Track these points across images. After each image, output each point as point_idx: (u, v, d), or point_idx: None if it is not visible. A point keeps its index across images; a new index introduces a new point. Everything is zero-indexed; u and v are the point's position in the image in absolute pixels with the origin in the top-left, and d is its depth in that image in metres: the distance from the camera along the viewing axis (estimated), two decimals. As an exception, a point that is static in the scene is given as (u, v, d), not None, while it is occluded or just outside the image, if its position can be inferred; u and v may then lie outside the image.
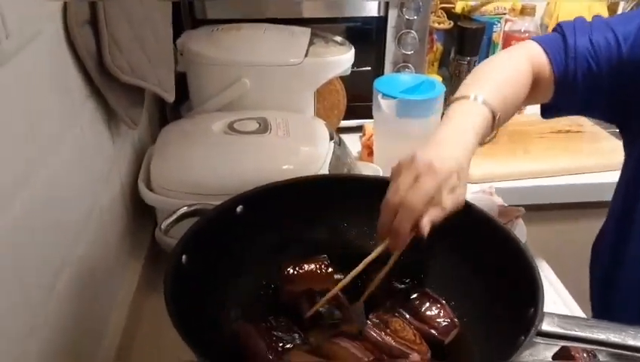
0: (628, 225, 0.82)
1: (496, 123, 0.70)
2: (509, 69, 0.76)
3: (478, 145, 0.68)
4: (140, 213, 0.91)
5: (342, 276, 0.65)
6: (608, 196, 0.89)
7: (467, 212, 0.68)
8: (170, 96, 0.86)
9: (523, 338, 0.49)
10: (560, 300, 0.88)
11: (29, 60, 0.55)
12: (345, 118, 1.35)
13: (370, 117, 1.16)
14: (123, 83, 0.74)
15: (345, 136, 1.36)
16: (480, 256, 0.65)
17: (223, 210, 0.66)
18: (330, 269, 0.67)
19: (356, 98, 1.30)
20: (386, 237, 0.61)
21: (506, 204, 1.02)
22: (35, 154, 0.55)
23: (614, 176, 0.87)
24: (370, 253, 0.66)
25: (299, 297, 0.64)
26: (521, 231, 0.99)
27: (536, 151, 1.24)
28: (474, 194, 1.06)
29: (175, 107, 1.09)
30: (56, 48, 0.64)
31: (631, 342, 0.46)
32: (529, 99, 0.78)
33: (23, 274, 0.52)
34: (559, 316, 0.50)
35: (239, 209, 0.68)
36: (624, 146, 0.83)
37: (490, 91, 0.70)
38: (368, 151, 1.25)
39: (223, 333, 0.59)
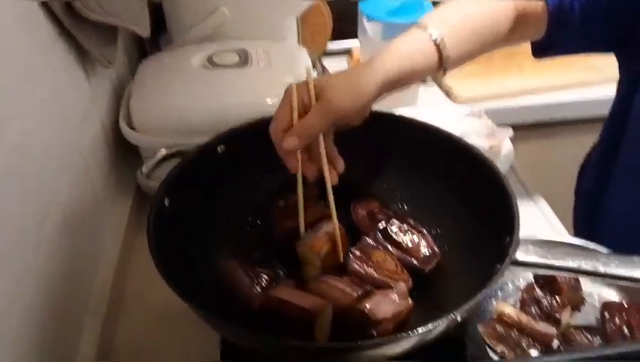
0: (614, 149, 0.82)
1: (444, 58, 0.66)
2: (482, 5, 0.71)
3: (416, 82, 0.65)
4: (124, 150, 0.90)
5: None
6: (602, 111, 0.88)
7: (448, 141, 0.68)
8: (144, 31, 0.84)
9: (499, 266, 0.51)
10: (546, 222, 0.89)
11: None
12: (332, 40, 1.31)
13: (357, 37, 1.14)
14: (93, 22, 0.71)
15: (333, 60, 1.34)
16: (461, 186, 0.65)
17: (204, 151, 0.66)
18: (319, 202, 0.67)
19: (343, 19, 1.26)
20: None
21: (495, 126, 1.02)
22: (4, 102, 0.54)
23: (609, 91, 0.85)
24: (354, 182, 0.69)
25: (293, 231, 0.65)
26: (508, 153, 0.99)
27: (531, 68, 1.22)
28: (462, 116, 1.06)
29: (154, 40, 1.06)
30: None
31: (602, 269, 0.47)
32: (515, 37, 0.74)
33: (6, 223, 0.52)
34: (534, 243, 0.51)
35: (220, 148, 0.67)
36: (620, 73, 0.82)
37: (443, 26, 0.66)
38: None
39: (211, 274, 0.60)
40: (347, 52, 1.33)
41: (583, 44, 0.79)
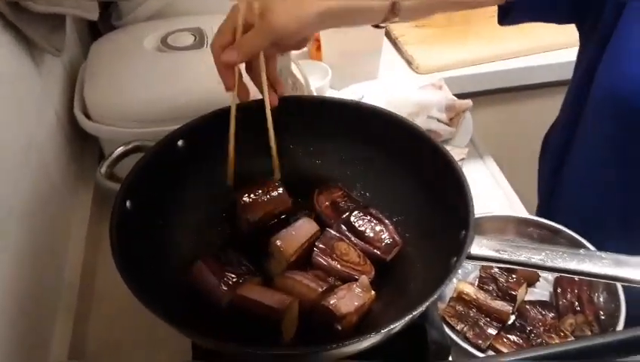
0: (576, 118, 0.84)
1: (396, 7, 0.63)
2: None
3: (368, 21, 0.65)
4: (81, 139, 0.89)
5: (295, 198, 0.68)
6: (563, 75, 0.88)
7: (409, 131, 0.68)
8: (93, 15, 0.80)
9: (455, 260, 0.53)
10: (505, 198, 0.92)
11: None
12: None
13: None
14: (37, 12, 0.68)
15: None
16: (421, 174, 0.67)
17: (163, 147, 0.65)
18: (281, 189, 0.68)
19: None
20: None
21: (455, 98, 1.03)
22: None
23: (569, 54, 0.85)
24: (316, 172, 0.71)
25: (259, 223, 0.66)
26: (467, 125, 1.01)
27: (488, 33, 1.22)
28: (422, 88, 1.06)
29: (105, 18, 1.02)
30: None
31: (549, 263, 0.50)
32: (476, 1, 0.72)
33: None
34: (489, 240, 0.53)
35: (180, 143, 0.67)
36: (580, 44, 0.83)
37: None
38: (317, 45, 1.21)
39: (177, 274, 0.61)
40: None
41: (547, 13, 0.80)
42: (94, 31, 1.03)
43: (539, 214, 0.96)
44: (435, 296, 0.50)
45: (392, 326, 0.48)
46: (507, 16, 0.78)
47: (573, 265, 0.49)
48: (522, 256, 0.51)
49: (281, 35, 0.60)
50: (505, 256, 0.51)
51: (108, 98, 0.81)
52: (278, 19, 0.60)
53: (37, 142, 0.72)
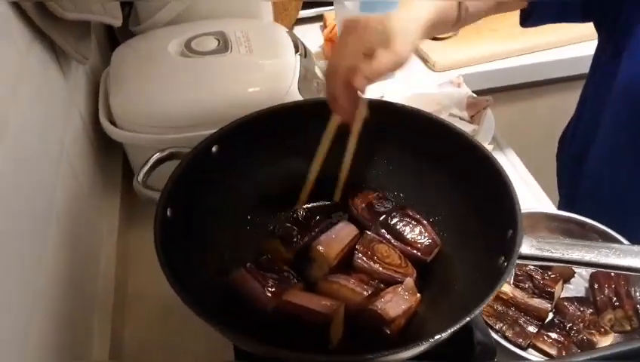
0: (598, 109, 0.85)
1: (462, 13, 0.71)
2: None
3: (437, 35, 0.68)
4: (106, 145, 0.88)
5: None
6: (579, 69, 0.89)
7: (441, 128, 0.68)
8: (117, 22, 0.80)
9: (504, 262, 0.53)
10: (530, 193, 0.91)
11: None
12: (303, 8, 1.29)
13: (331, 3, 1.11)
14: (67, 19, 0.68)
15: (305, 28, 1.31)
16: (456, 172, 0.67)
17: (198, 153, 0.65)
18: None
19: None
20: (331, 105, 0.63)
21: (475, 95, 1.03)
22: None
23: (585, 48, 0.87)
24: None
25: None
26: (489, 121, 1.00)
27: (503, 28, 1.22)
28: (442, 86, 1.06)
29: (123, 24, 1.01)
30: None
31: (603, 260, 0.50)
32: (502, 6, 0.76)
33: (9, 236, 0.51)
34: (537, 239, 0.53)
35: (215, 149, 0.66)
36: (598, 37, 0.84)
37: None
38: (331, 45, 1.21)
39: (220, 279, 0.61)
40: (318, 18, 1.31)
41: (564, 14, 0.81)
42: (111, 37, 1.03)
43: (561, 207, 0.97)
44: (489, 300, 0.49)
45: (444, 334, 0.48)
46: (528, 19, 0.81)
47: (628, 261, 0.49)
48: (575, 254, 0.51)
49: (405, 63, 0.61)
50: (557, 255, 0.51)
51: (134, 105, 0.80)
52: (406, 48, 0.60)
53: (66, 149, 0.72)
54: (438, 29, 0.71)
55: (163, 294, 0.51)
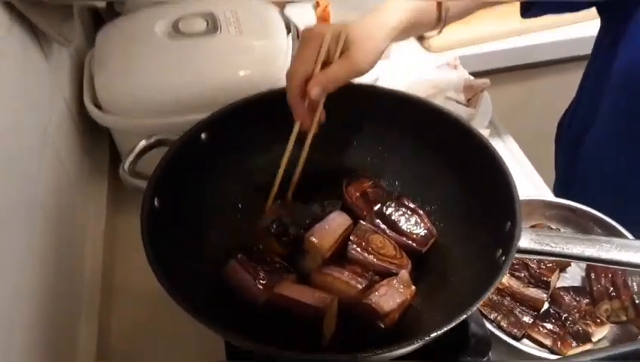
0: (597, 93, 0.83)
1: (442, 13, 0.69)
2: None
3: (415, 35, 0.66)
4: (92, 129, 0.85)
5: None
6: (578, 50, 0.87)
7: (436, 114, 0.66)
8: (100, 2, 0.77)
9: (502, 256, 0.51)
10: (527, 179, 0.90)
11: None
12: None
13: (324, -20, 1.08)
14: (47, 2, 0.65)
15: (296, 7, 1.28)
16: (453, 160, 0.65)
17: (186, 141, 0.63)
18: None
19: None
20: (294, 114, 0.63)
21: (472, 77, 1.00)
22: None
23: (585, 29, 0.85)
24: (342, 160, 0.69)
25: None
26: (486, 104, 0.98)
27: (502, 7, 1.18)
28: (438, 68, 1.04)
29: (108, 4, 0.97)
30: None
31: (604, 255, 0.48)
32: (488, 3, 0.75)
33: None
34: (536, 232, 0.52)
35: (204, 136, 0.64)
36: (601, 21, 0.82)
37: None
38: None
39: (209, 271, 0.59)
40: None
41: (566, 5, 0.79)
42: (97, 18, 0.99)
43: (556, 190, 0.96)
44: (486, 296, 0.48)
45: (439, 331, 0.47)
46: (529, 10, 0.80)
47: (629, 256, 0.48)
48: (575, 249, 0.49)
49: (363, 71, 0.61)
50: (557, 250, 0.50)
51: (120, 88, 0.78)
52: (363, 56, 0.60)
53: (50, 135, 0.70)
54: (416, 31, 0.69)
55: (151, 283, 0.49)
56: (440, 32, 0.71)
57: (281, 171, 0.65)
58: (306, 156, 0.65)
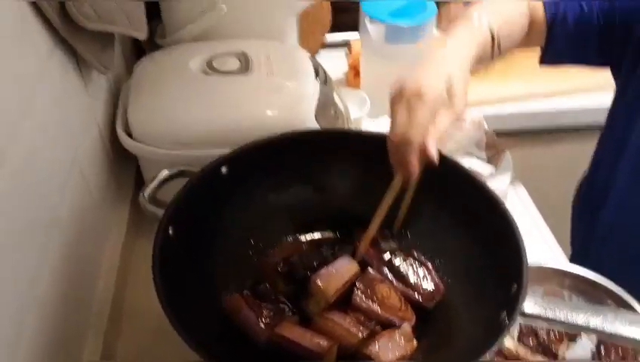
0: (615, 161, 0.83)
1: (495, 49, 0.70)
2: (510, 3, 0.75)
3: (474, 71, 0.67)
4: (120, 156, 0.88)
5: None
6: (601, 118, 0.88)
7: (457, 174, 0.67)
8: (141, 35, 0.80)
9: (506, 319, 0.51)
10: (545, 244, 0.89)
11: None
12: (331, 31, 1.29)
13: (357, 29, 1.11)
14: (90, 30, 0.68)
15: (330, 53, 1.31)
16: (466, 217, 0.65)
17: (207, 173, 0.64)
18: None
19: (341, 9, 1.23)
20: (399, 170, 0.62)
21: (495, 136, 1.01)
22: (7, 120, 0.53)
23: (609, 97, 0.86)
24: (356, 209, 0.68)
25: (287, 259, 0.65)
26: (507, 164, 0.99)
27: (529, 73, 1.19)
28: (460, 125, 1.05)
29: (149, 36, 1.02)
30: (14, 2, 0.58)
31: (608, 327, 0.48)
32: (524, 42, 0.76)
33: (11, 237, 0.52)
34: (542, 297, 0.51)
35: (224, 169, 0.66)
36: (615, 90, 0.82)
37: (493, 16, 0.69)
38: (355, 73, 1.21)
39: (215, 305, 0.60)
40: (345, 45, 1.31)
41: (579, 56, 0.81)
42: (137, 48, 1.04)
43: (573, 258, 0.94)
44: (486, 356, 0.48)
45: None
46: (545, 56, 0.81)
47: (632, 331, 0.47)
48: (579, 318, 0.49)
49: (463, 114, 0.62)
50: (561, 317, 0.49)
51: (151, 118, 0.81)
52: (463, 103, 0.61)
53: (79, 157, 0.72)
54: (478, 66, 0.69)
55: (160, 310, 0.50)
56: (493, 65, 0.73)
57: (380, 218, 0.66)
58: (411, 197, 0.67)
